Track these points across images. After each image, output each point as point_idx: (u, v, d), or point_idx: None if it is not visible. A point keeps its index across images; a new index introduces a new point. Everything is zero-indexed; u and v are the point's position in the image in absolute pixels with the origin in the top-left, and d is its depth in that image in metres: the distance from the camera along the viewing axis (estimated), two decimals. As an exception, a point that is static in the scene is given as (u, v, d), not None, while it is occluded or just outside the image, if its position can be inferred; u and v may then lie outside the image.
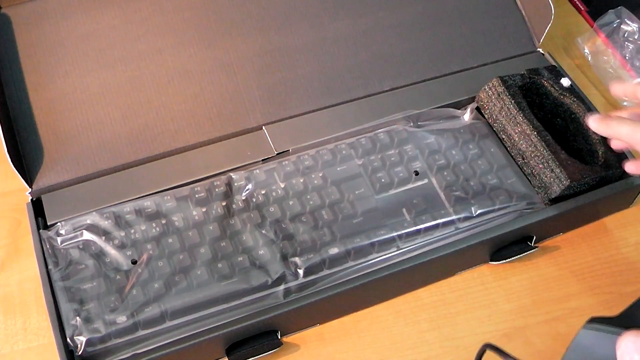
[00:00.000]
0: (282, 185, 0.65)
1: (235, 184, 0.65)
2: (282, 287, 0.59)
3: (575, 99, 0.71)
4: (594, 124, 0.58)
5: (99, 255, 0.60)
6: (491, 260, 0.66)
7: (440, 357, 0.61)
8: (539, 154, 0.66)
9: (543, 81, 0.72)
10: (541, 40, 0.77)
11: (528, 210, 0.66)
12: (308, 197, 0.64)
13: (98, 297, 0.57)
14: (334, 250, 0.61)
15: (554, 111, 0.73)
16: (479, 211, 0.65)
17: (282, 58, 0.72)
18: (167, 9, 0.71)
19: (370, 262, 0.61)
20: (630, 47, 0.83)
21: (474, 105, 0.72)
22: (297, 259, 0.60)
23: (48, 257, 0.59)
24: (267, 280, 0.59)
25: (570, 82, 0.72)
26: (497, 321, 0.63)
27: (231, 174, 0.65)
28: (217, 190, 0.64)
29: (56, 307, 0.57)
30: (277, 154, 0.67)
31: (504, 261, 0.65)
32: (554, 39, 0.85)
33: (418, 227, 0.63)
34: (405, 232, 0.63)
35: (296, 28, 0.73)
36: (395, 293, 0.64)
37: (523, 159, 0.68)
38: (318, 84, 0.71)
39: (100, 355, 0.56)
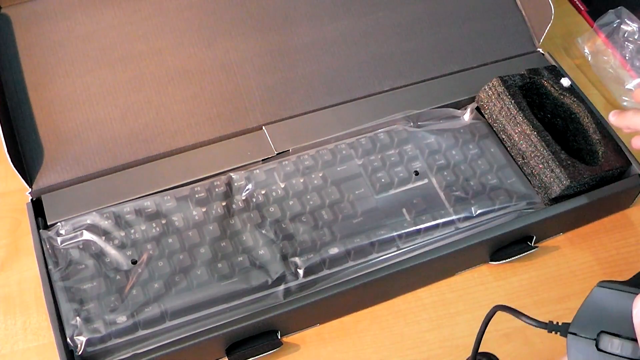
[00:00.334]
0: (282, 185, 0.65)
1: (235, 184, 0.65)
2: (282, 287, 0.59)
3: (575, 99, 0.71)
4: (612, 117, 0.66)
5: (99, 255, 0.60)
6: (491, 260, 0.66)
7: (440, 357, 0.61)
8: (539, 154, 0.66)
9: (543, 81, 0.72)
10: (541, 40, 0.77)
11: (528, 210, 0.66)
12: (308, 197, 0.64)
13: (98, 297, 0.57)
14: (334, 250, 0.61)
15: (554, 111, 0.73)
16: (479, 211, 0.65)
17: (282, 58, 0.72)
18: (167, 9, 0.72)
19: (370, 262, 0.61)
20: (630, 47, 0.83)
21: (474, 105, 0.72)
22: (297, 259, 0.60)
23: (48, 257, 0.59)
24: (267, 280, 0.59)
25: (570, 82, 0.72)
26: (497, 321, 0.63)
27: (231, 174, 0.65)
28: (217, 190, 0.64)
29: (56, 307, 0.57)
30: (277, 154, 0.67)
31: (504, 261, 0.65)
32: (554, 39, 0.85)
33: (418, 227, 0.63)
34: (405, 232, 0.63)
35: (296, 28, 0.73)
36: (395, 293, 0.64)
37: (523, 159, 0.68)
38: (318, 84, 0.71)
39: (100, 355, 0.56)
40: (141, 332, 0.57)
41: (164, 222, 0.62)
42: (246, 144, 0.68)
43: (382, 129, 0.70)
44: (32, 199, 0.63)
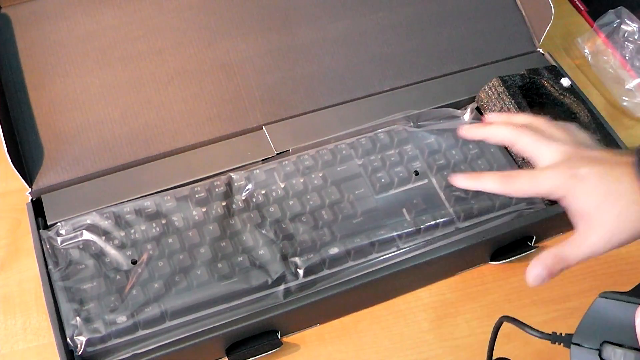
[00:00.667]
0: (282, 185, 0.65)
1: (235, 184, 0.65)
2: (282, 287, 0.59)
3: (575, 99, 0.71)
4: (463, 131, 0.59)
5: (99, 255, 0.60)
6: (491, 260, 0.66)
7: (440, 357, 0.61)
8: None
9: (543, 81, 0.72)
10: (541, 40, 0.77)
11: (528, 210, 0.65)
12: (308, 197, 0.64)
13: (98, 297, 0.57)
14: (334, 250, 0.61)
15: (554, 111, 0.73)
16: (479, 211, 0.65)
17: (282, 58, 0.72)
18: (167, 9, 0.72)
19: (370, 262, 0.61)
20: (630, 47, 0.83)
21: (474, 105, 0.72)
22: (297, 259, 0.60)
23: (48, 257, 0.59)
24: (267, 280, 0.59)
25: (570, 82, 0.72)
26: (497, 321, 0.63)
27: (231, 174, 0.65)
28: (217, 190, 0.64)
29: (56, 307, 0.57)
30: (277, 154, 0.67)
31: (504, 261, 0.65)
32: (554, 39, 0.85)
33: (418, 227, 0.63)
34: (405, 232, 0.63)
35: (296, 28, 0.73)
36: (395, 293, 0.64)
37: (523, 159, 0.68)
38: (318, 84, 0.71)
39: (100, 355, 0.56)
40: (141, 332, 0.57)
41: (164, 222, 0.62)
42: (246, 144, 0.68)
43: (382, 129, 0.70)
44: (32, 199, 0.63)
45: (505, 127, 0.56)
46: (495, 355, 0.56)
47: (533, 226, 0.65)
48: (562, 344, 0.49)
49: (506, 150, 0.70)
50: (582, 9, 0.90)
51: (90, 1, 0.70)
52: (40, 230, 0.61)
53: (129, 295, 0.58)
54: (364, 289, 0.60)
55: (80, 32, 0.69)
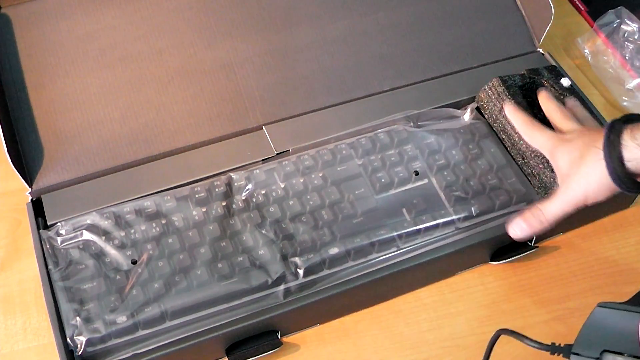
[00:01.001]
0: (282, 185, 0.65)
1: (235, 184, 0.65)
2: (282, 287, 0.59)
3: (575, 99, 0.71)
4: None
5: (99, 255, 0.60)
6: (491, 260, 0.66)
7: (440, 357, 0.61)
8: (539, 154, 0.66)
9: (543, 81, 0.72)
10: (541, 40, 0.77)
11: (528, 210, 0.66)
12: (308, 197, 0.64)
13: (98, 297, 0.57)
14: (334, 250, 0.61)
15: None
16: (479, 211, 0.65)
17: (282, 58, 0.72)
18: (167, 9, 0.72)
19: (370, 262, 0.61)
20: (630, 47, 0.83)
21: (474, 105, 0.72)
22: (297, 259, 0.60)
23: (48, 257, 0.59)
24: (267, 280, 0.59)
25: (570, 82, 0.72)
26: (497, 321, 0.63)
27: (231, 174, 0.65)
28: (217, 190, 0.64)
29: (56, 307, 0.57)
30: (277, 154, 0.67)
31: (504, 261, 0.65)
32: (554, 39, 0.85)
33: (418, 227, 0.63)
34: (405, 232, 0.63)
35: (296, 28, 0.73)
36: (395, 293, 0.64)
37: (523, 159, 0.68)
38: (318, 84, 0.71)
39: (100, 355, 0.56)
40: (141, 332, 0.57)
41: (164, 222, 0.62)
42: (246, 144, 0.68)
43: (382, 129, 0.70)
44: (32, 199, 0.63)
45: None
46: (495, 357, 0.56)
47: (533, 226, 0.65)
48: (561, 355, 0.50)
49: (506, 150, 0.70)
50: (582, 9, 0.90)
51: (90, 1, 0.70)
52: (40, 230, 0.61)
53: (129, 295, 0.58)
54: (364, 289, 0.60)
55: (80, 32, 0.69)
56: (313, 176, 0.66)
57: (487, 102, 0.71)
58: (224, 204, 0.63)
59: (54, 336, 0.55)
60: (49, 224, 0.62)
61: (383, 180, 0.66)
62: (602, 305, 0.49)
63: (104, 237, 0.60)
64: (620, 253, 0.68)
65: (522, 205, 0.66)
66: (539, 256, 0.67)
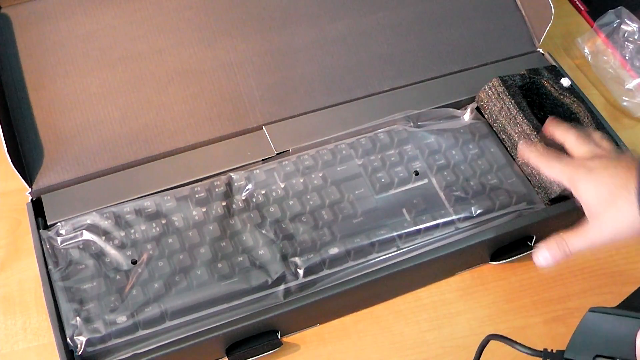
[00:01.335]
0: (282, 185, 0.65)
1: (235, 184, 0.65)
2: (282, 287, 0.59)
3: (575, 99, 0.71)
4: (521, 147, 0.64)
5: (99, 255, 0.60)
6: (491, 260, 0.66)
7: (440, 357, 0.61)
8: (539, 154, 0.66)
9: (543, 81, 0.72)
10: (541, 40, 0.77)
11: (528, 210, 0.66)
12: (308, 197, 0.64)
13: (98, 297, 0.57)
14: (334, 250, 0.61)
15: (554, 111, 0.73)
16: (479, 211, 0.65)
17: (282, 58, 0.72)
18: (167, 9, 0.72)
19: (370, 262, 0.61)
20: (630, 47, 0.83)
21: (474, 105, 0.72)
22: (297, 259, 0.60)
23: (48, 257, 0.59)
24: (267, 280, 0.59)
25: (570, 82, 0.72)
26: (497, 321, 0.63)
27: (231, 174, 0.65)
28: (217, 190, 0.64)
29: (56, 307, 0.57)
30: (277, 154, 0.67)
31: (504, 261, 0.65)
32: (554, 39, 0.85)
33: (418, 227, 0.63)
34: (405, 232, 0.63)
35: (296, 28, 0.73)
36: (395, 293, 0.64)
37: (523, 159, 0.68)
38: (318, 84, 0.71)
39: (100, 355, 0.56)
40: (141, 332, 0.57)
41: (164, 222, 0.62)
42: (246, 144, 0.68)
43: (382, 129, 0.70)
44: (32, 199, 0.63)
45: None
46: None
47: (533, 226, 0.65)
48: None
49: (506, 150, 0.70)
50: (582, 9, 0.90)
51: (90, 1, 0.70)
52: (40, 230, 0.61)
53: (129, 295, 0.58)
54: (364, 289, 0.60)
55: (80, 32, 0.69)
56: (313, 176, 0.66)
57: (487, 102, 0.71)
58: (224, 204, 0.63)
59: (54, 336, 0.55)
60: (49, 224, 0.62)
61: (383, 180, 0.66)
62: (593, 310, 0.49)
63: (104, 237, 0.60)
64: (620, 253, 0.68)
65: (522, 205, 0.66)
66: (539, 256, 0.67)
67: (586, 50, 0.85)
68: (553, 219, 0.65)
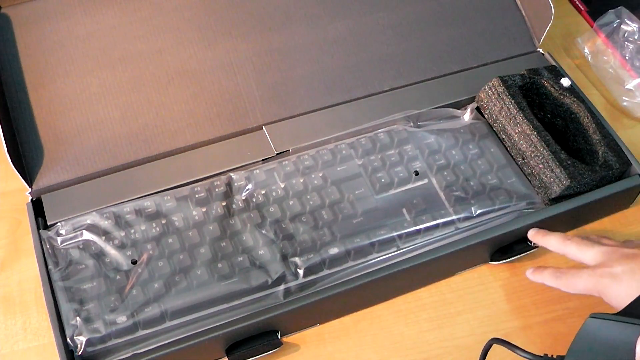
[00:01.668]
0: (282, 185, 0.65)
1: (235, 184, 0.65)
2: (282, 287, 0.59)
3: (575, 99, 0.71)
4: (531, 234, 0.64)
5: (99, 255, 0.60)
6: (491, 260, 0.66)
7: (440, 357, 0.61)
8: (539, 154, 0.66)
9: (543, 81, 0.72)
10: (541, 40, 0.77)
11: (528, 210, 0.66)
12: (308, 197, 0.64)
13: (98, 297, 0.57)
14: (334, 250, 0.61)
15: (554, 111, 0.73)
16: (479, 211, 0.65)
17: (282, 58, 0.72)
18: (167, 9, 0.72)
19: (370, 262, 0.61)
20: (630, 47, 0.83)
21: (474, 105, 0.72)
22: (297, 259, 0.60)
23: (48, 257, 0.59)
24: (267, 280, 0.59)
25: (570, 82, 0.72)
26: (497, 321, 0.63)
27: (231, 174, 0.65)
28: (217, 190, 0.64)
29: (56, 307, 0.57)
30: (277, 154, 0.67)
31: (504, 261, 0.65)
32: (554, 39, 0.85)
33: (418, 227, 0.63)
34: (405, 232, 0.63)
35: (296, 28, 0.73)
36: (395, 293, 0.64)
37: (523, 159, 0.68)
38: (318, 84, 0.71)
39: (100, 355, 0.56)
40: (141, 332, 0.57)
41: (164, 222, 0.62)
42: (246, 144, 0.68)
43: (382, 129, 0.70)
44: (32, 199, 0.63)
45: (556, 238, 0.61)
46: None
47: (533, 226, 0.65)
48: None
49: (506, 150, 0.70)
50: (582, 9, 0.90)
51: (90, 1, 0.70)
52: (40, 230, 0.61)
53: (129, 295, 0.58)
54: (364, 289, 0.60)
55: (80, 32, 0.69)
56: (313, 176, 0.66)
57: (487, 102, 0.71)
58: (224, 204, 0.63)
59: (54, 336, 0.55)
60: (49, 224, 0.62)
61: (383, 180, 0.66)
62: (594, 316, 0.49)
63: (104, 237, 0.60)
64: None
65: (522, 205, 0.66)
66: (539, 256, 0.67)
67: (586, 50, 0.85)
68: (553, 219, 0.65)
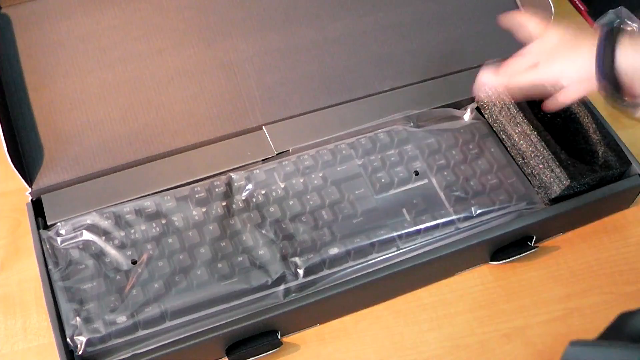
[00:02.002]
0: (282, 185, 0.65)
1: (235, 184, 0.65)
2: (282, 287, 0.59)
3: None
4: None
5: (99, 255, 0.60)
6: (491, 260, 0.66)
7: (440, 357, 0.61)
8: (539, 154, 0.66)
9: (543, 81, 0.72)
10: (541, 40, 0.77)
11: (528, 210, 0.66)
12: (308, 197, 0.64)
13: (98, 297, 0.57)
14: (334, 250, 0.61)
15: (554, 111, 0.73)
16: (479, 211, 0.65)
17: (282, 58, 0.72)
18: (167, 9, 0.72)
19: (370, 262, 0.61)
20: (630, 47, 0.83)
21: (474, 105, 0.72)
22: (297, 259, 0.60)
23: (48, 257, 0.59)
24: (267, 280, 0.59)
25: (570, 82, 0.72)
26: (497, 321, 0.63)
27: (231, 174, 0.65)
28: (217, 190, 0.64)
29: (56, 307, 0.57)
30: (277, 154, 0.67)
31: (504, 261, 0.65)
32: (554, 39, 0.85)
33: (418, 227, 0.63)
34: (405, 232, 0.63)
35: (296, 28, 0.73)
36: (395, 293, 0.64)
37: (523, 159, 0.68)
38: (318, 84, 0.71)
39: (100, 355, 0.56)
40: (141, 332, 0.57)
41: (164, 222, 0.62)
42: (246, 144, 0.68)
43: (382, 129, 0.70)
44: (32, 199, 0.63)
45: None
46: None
47: (533, 226, 0.65)
48: None
49: (506, 150, 0.70)
50: (582, 9, 0.90)
51: (90, 1, 0.70)
52: (40, 230, 0.61)
53: (129, 295, 0.58)
54: (364, 289, 0.60)
55: (80, 32, 0.69)
56: (313, 176, 0.66)
57: (487, 102, 0.71)
58: (224, 204, 0.63)
59: (54, 336, 0.55)
60: (49, 224, 0.62)
61: (383, 180, 0.66)
62: (574, 343, 0.49)
63: (104, 237, 0.60)
64: (620, 253, 0.68)
65: (522, 205, 0.66)
66: (539, 256, 0.67)
67: (586, 50, 0.84)
68: (553, 219, 0.65)
